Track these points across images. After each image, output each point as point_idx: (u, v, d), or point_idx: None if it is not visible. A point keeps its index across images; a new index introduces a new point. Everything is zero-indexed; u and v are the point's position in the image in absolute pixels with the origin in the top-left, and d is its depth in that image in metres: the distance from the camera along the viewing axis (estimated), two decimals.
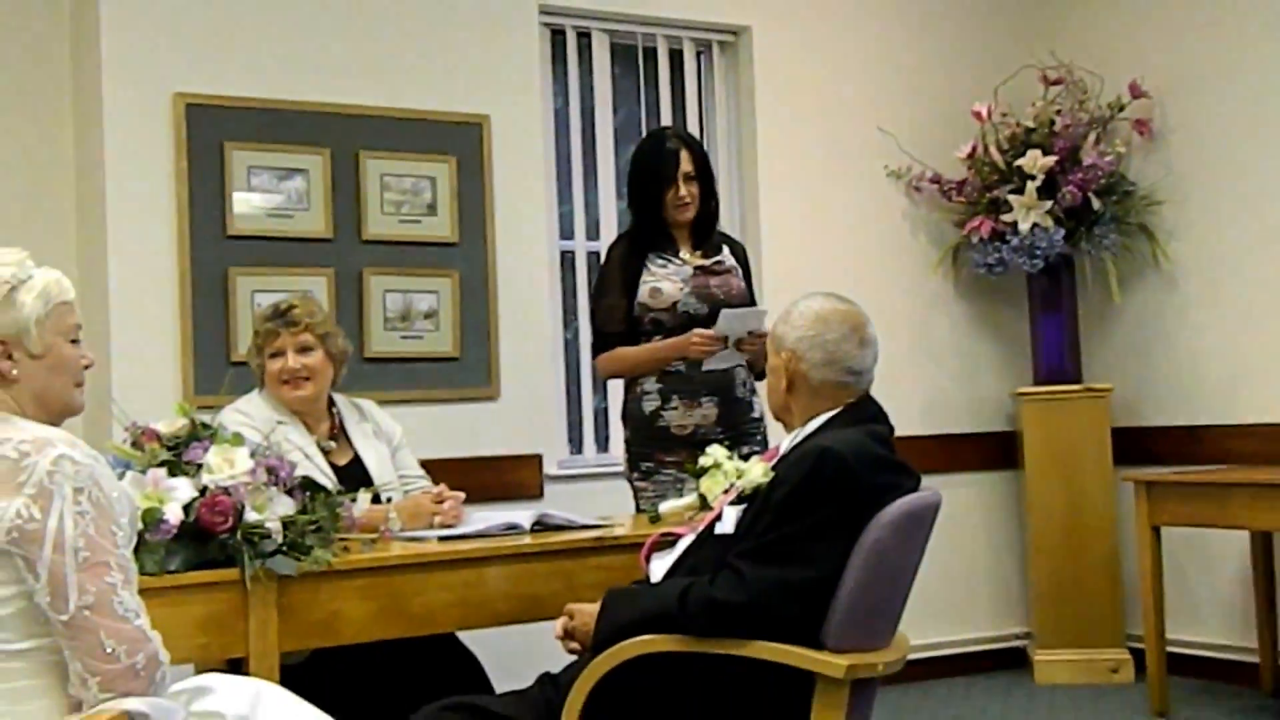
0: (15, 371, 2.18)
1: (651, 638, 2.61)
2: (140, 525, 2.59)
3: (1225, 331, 5.42)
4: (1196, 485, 4.88)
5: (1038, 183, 5.48)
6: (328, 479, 3.47)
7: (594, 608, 2.79)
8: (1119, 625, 5.49)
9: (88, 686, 2.06)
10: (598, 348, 4.18)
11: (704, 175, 4.14)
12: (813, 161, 5.60)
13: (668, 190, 4.06)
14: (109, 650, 2.05)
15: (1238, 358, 5.38)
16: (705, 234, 4.17)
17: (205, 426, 2.92)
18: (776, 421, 3.06)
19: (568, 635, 2.86)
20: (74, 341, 2.28)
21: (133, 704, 2.05)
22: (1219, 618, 5.42)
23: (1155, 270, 5.64)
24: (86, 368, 2.31)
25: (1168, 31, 5.59)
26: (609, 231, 5.19)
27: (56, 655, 2.07)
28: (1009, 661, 5.79)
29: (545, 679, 2.85)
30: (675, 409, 4.01)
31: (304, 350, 3.66)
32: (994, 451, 5.87)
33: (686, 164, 4.08)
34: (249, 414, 3.56)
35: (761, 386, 3.66)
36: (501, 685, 3.36)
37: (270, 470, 2.87)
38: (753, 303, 4.20)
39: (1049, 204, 5.48)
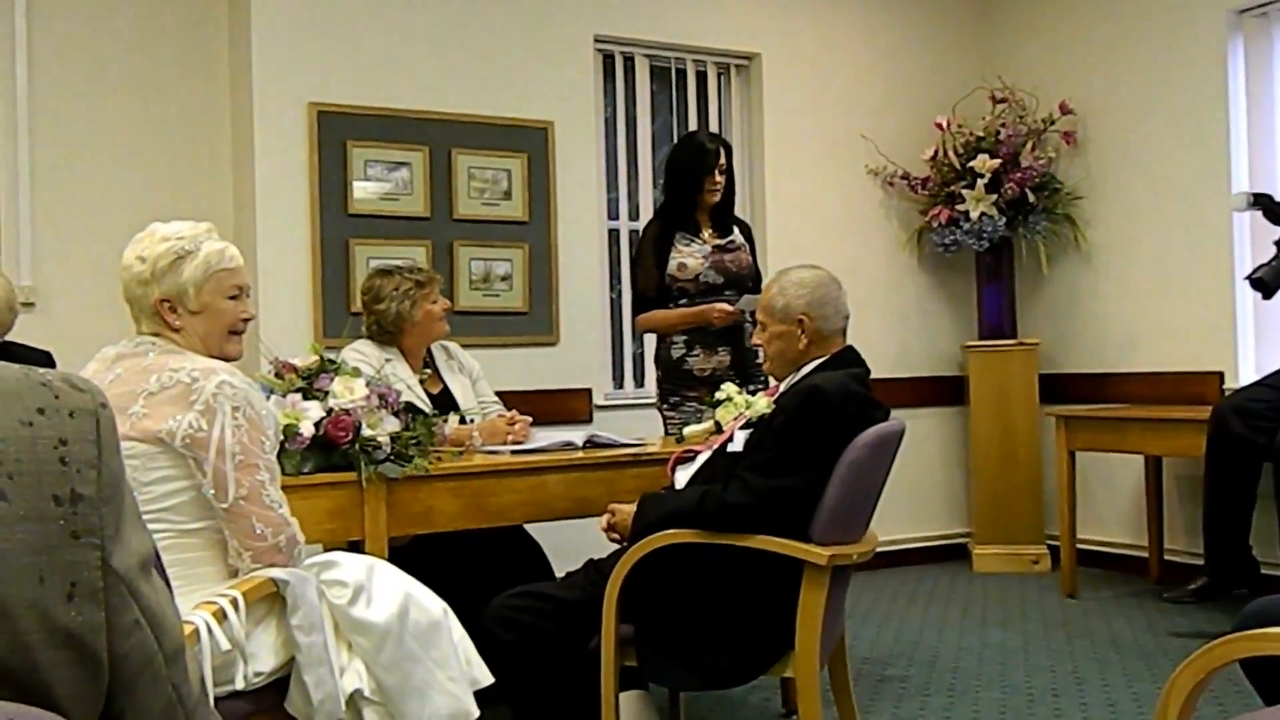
0: (178, 323, 2.20)
1: (676, 531, 2.62)
2: (282, 437, 2.61)
3: (1128, 300, 5.37)
4: (1103, 419, 4.85)
5: (985, 180, 5.42)
6: (425, 404, 3.48)
7: (631, 507, 2.80)
8: (1040, 527, 5.47)
9: (242, 559, 2.09)
10: (637, 309, 4.15)
11: (729, 169, 4.09)
12: (808, 161, 5.53)
13: (706, 179, 4.01)
14: (259, 531, 2.08)
15: (1137, 320, 5.33)
16: (722, 217, 4.11)
17: (331, 362, 2.93)
18: (771, 375, 3.03)
19: (610, 528, 2.88)
20: (233, 299, 2.28)
21: (277, 573, 2.08)
22: (1118, 522, 5.39)
23: (1076, 251, 5.57)
24: (246, 320, 2.31)
25: (1090, 64, 5.50)
26: (647, 214, 5.13)
27: (219, 535, 2.10)
28: (954, 554, 5.77)
29: (591, 563, 2.86)
30: (697, 355, 3.99)
31: None
32: (946, 391, 5.82)
33: (721, 159, 4.03)
34: (364, 353, 3.57)
35: None
36: (558, 567, 3.39)
37: (381, 396, 2.88)
38: (758, 272, 4.15)
39: (994, 197, 5.42)
